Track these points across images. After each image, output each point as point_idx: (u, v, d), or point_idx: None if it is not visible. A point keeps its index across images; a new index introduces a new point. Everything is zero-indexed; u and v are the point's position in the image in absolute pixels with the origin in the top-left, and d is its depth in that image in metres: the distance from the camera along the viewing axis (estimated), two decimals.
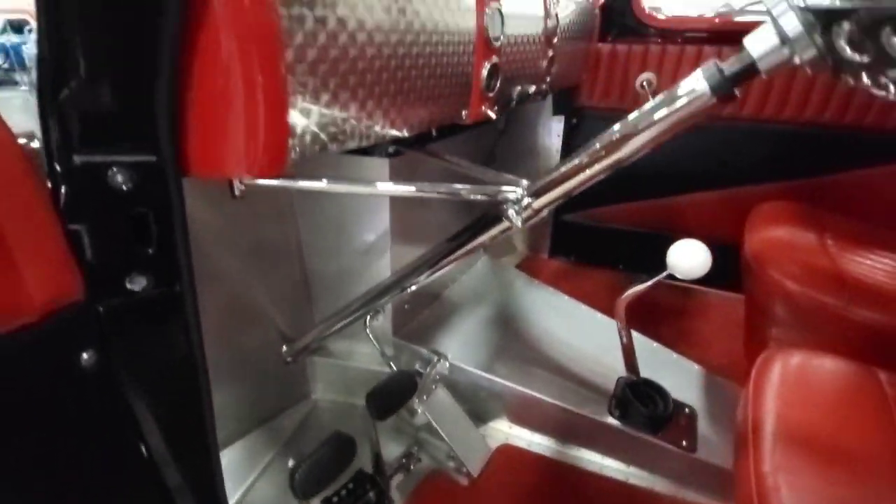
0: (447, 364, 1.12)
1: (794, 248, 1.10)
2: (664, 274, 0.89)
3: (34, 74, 0.42)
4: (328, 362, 1.22)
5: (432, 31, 0.67)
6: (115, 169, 0.44)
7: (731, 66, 0.54)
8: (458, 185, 0.74)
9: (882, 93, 0.45)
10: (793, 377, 0.72)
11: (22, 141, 0.40)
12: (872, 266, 1.04)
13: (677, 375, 1.22)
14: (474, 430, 1.14)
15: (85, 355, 0.45)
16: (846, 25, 0.44)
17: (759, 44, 0.51)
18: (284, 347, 1.14)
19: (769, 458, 0.63)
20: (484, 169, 0.86)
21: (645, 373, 1.13)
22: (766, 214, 1.29)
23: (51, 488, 0.46)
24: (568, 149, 1.80)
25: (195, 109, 0.48)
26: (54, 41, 0.40)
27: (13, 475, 0.43)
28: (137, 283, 0.48)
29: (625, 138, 0.62)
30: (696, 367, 1.27)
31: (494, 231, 0.79)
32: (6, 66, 2.52)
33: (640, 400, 1.07)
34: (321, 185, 0.66)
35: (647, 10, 1.58)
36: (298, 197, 1.09)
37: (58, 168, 0.42)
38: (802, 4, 0.46)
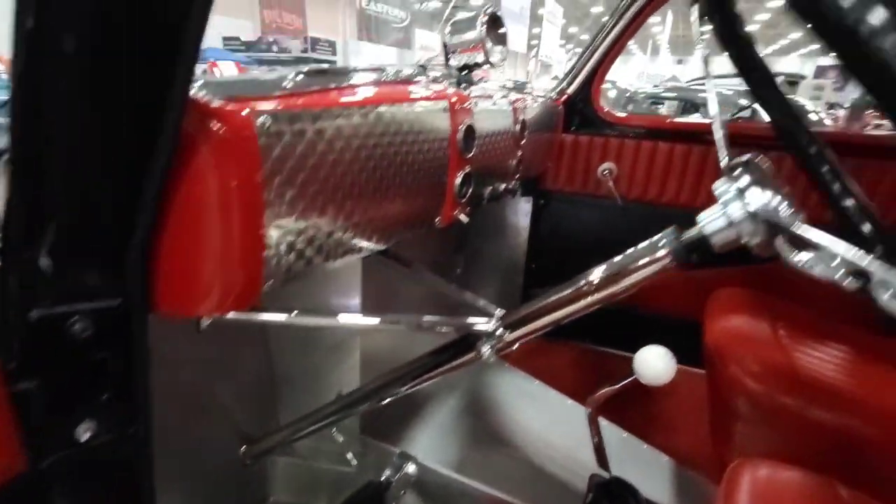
0: (415, 468, 1.08)
1: (751, 340, 1.14)
2: (631, 379, 0.91)
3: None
4: (290, 462, 1.15)
5: (408, 150, 0.70)
6: (75, 317, 0.42)
7: (687, 236, 0.57)
8: (428, 318, 0.77)
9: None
10: (761, 492, 0.72)
11: None
12: (822, 361, 1.08)
13: (648, 469, 1.22)
14: None
15: None
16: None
17: (710, 223, 0.54)
18: (244, 448, 1.07)
19: None
20: (456, 288, 0.88)
21: (616, 467, 1.11)
22: (723, 302, 1.34)
23: None
24: (537, 228, 1.85)
25: (167, 248, 0.47)
26: (28, 193, 0.38)
27: None
28: (87, 431, 0.45)
29: (598, 287, 0.67)
30: (665, 458, 1.27)
31: (466, 358, 0.81)
32: None
33: (610, 501, 1.05)
34: (288, 317, 0.68)
35: (605, 108, 1.71)
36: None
37: (10, 324, 0.38)
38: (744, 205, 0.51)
